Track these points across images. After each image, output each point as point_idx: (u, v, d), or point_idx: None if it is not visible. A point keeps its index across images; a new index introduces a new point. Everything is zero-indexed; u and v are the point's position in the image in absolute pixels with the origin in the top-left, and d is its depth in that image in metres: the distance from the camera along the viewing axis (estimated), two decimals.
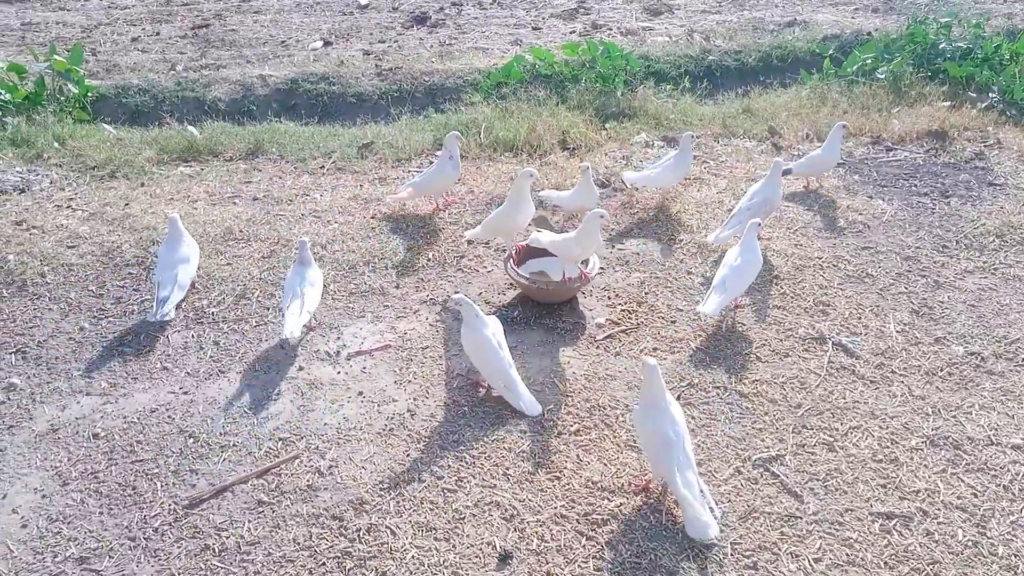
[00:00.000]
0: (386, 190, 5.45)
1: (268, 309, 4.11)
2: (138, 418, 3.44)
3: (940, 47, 7.45)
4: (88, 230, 4.86)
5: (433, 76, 8.19)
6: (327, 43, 9.59)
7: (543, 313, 4.05)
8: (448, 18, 10.57)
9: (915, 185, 5.33)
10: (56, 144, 6.30)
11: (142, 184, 5.63)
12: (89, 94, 7.45)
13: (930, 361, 3.67)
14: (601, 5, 11.05)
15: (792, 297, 4.14)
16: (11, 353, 3.80)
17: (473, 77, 8.02)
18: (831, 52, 8.01)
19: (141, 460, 3.23)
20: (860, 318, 3.98)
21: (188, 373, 3.68)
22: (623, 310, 4.07)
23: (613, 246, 4.66)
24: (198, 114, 7.54)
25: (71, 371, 3.71)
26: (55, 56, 7.16)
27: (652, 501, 2.96)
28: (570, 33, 9.87)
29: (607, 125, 6.63)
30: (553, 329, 3.94)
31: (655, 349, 3.77)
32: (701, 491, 2.78)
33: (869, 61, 7.48)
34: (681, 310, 4.07)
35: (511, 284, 4.24)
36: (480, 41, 9.68)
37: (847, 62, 7.53)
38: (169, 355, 3.81)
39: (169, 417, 3.43)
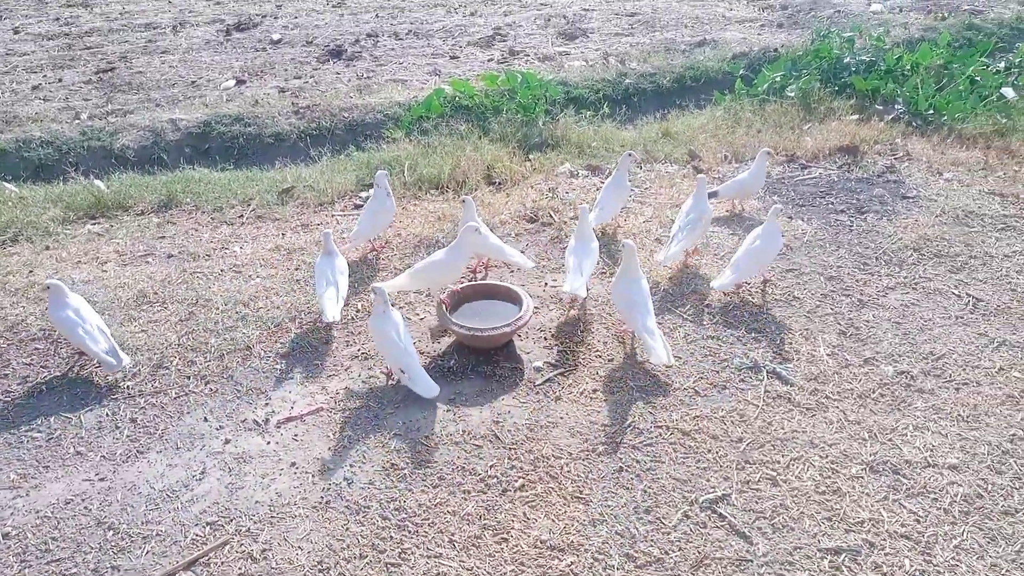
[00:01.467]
0: (309, 238, 5.28)
1: (189, 378, 3.89)
2: (52, 512, 3.18)
3: (845, 61, 7.74)
4: None
5: (352, 112, 8.05)
6: (240, 82, 9.34)
7: (480, 360, 3.96)
8: (364, 51, 10.44)
9: (832, 203, 5.47)
10: None
11: (47, 247, 5.31)
12: None
13: (861, 383, 3.73)
14: (517, 31, 11.12)
15: (725, 326, 4.17)
16: None
17: (394, 111, 7.93)
18: (741, 71, 8.22)
19: (57, 559, 2.98)
20: (791, 343, 4.03)
21: (104, 456, 3.44)
22: (561, 351, 4.01)
23: (546, 284, 4.61)
24: (106, 165, 7.21)
25: None
26: None
27: (586, 562, 2.89)
28: (488, 61, 9.89)
29: (531, 156, 6.62)
30: (491, 377, 3.85)
31: (595, 391, 3.72)
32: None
33: (778, 79, 7.70)
34: (622, 343, 4.04)
35: (445, 331, 4.14)
36: (399, 73, 9.60)
37: (757, 80, 7.74)
38: (82, 437, 3.55)
39: (86, 508, 3.18)
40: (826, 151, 6.25)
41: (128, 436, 3.54)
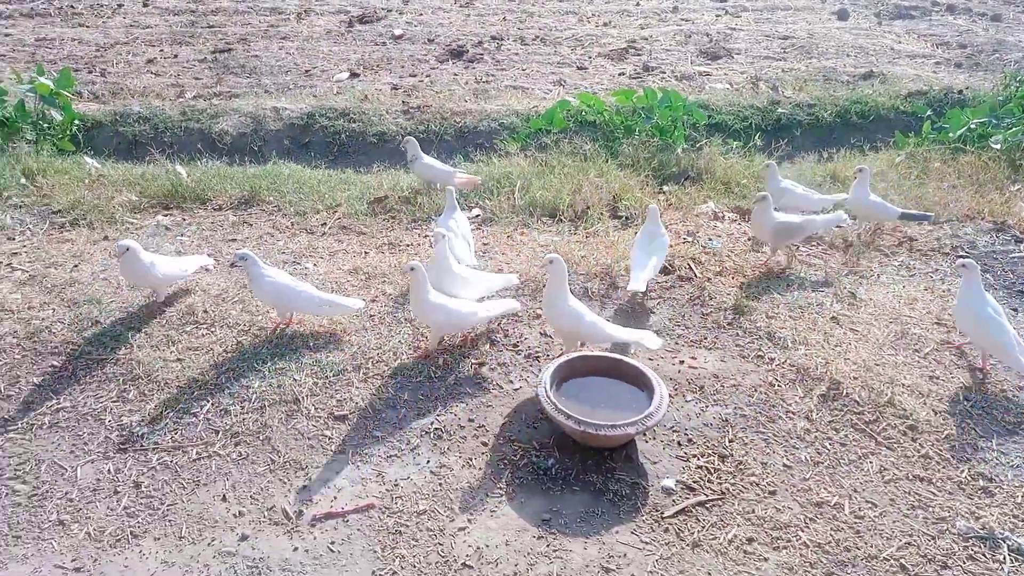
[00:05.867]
0: (395, 262, 4.42)
1: (217, 433, 3.06)
2: None
3: None
4: (19, 300, 3.88)
5: (466, 117, 7.23)
6: (354, 75, 8.74)
7: (589, 464, 2.94)
8: (487, 53, 9.67)
9: None
10: (23, 180, 5.40)
11: (105, 237, 4.68)
12: (78, 121, 6.60)
13: None
14: (653, 46, 10.08)
15: (938, 462, 2.98)
16: None
17: (510, 120, 7.07)
18: (928, 113, 6.88)
19: None
20: None
21: (89, 534, 2.63)
22: (700, 467, 2.94)
23: (682, 361, 3.55)
24: (200, 149, 6.66)
25: None
26: (39, 79, 6.30)
27: None
28: (619, 75, 8.91)
29: (665, 188, 5.58)
30: (602, 492, 2.83)
31: (750, 540, 2.63)
32: None
33: (975, 126, 6.34)
34: (789, 469, 2.93)
35: (544, 414, 3.14)
36: (520, 79, 8.75)
37: (951, 125, 6.40)
38: (72, 500, 2.76)
39: None
40: None
41: (125, 508, 2.73)
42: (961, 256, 3.63)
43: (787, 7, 12.33)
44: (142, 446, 2.99)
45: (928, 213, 4.83)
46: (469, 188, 5.34)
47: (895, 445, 3.04)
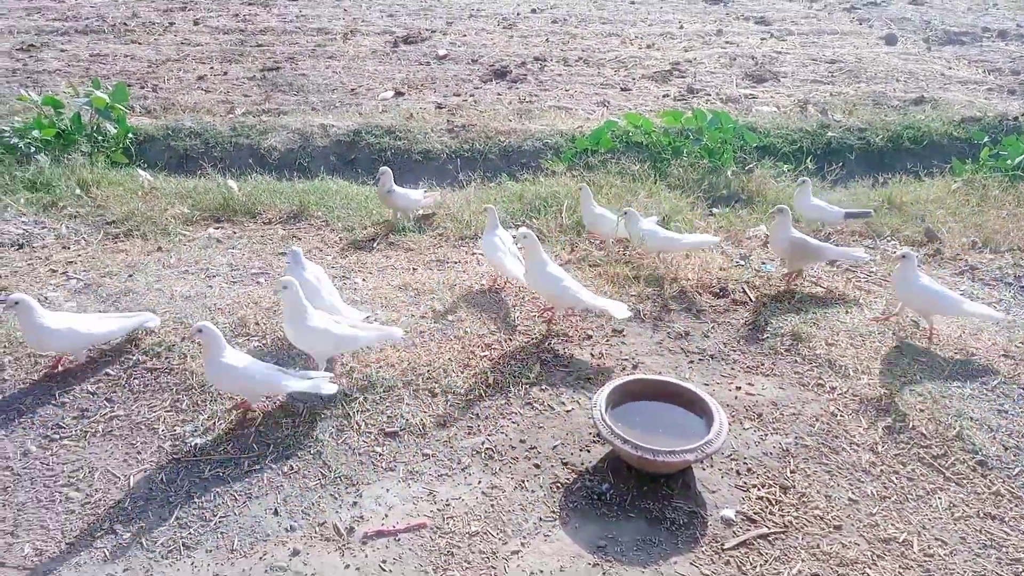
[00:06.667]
0: (443, 279, 4.40)
1: (269, 446, 3.05)
2: None
3: None
4: (74, 308, 3.93)
5: (510, 136, 7.24)
6: (399, 93, 8.83)
7: (645, 491, 2.86)
8: (530, 73, 9.70)
9: None
10: (78, 190, 5.51)
11: (159, 248, 4.74)
12: (131, 135, 6.74)
13: None
14: (697, 68, 10.03)
15: (1010, 500, 2.84)
16: None
17: (554, 140, 7.06)
18: (986, 140, 6.73)
19: None
20: None
21: (142, 544, 2.62)
22: (761, 498, 2.84)
23: (738, 388, 3.46)
24: (249, 164, 6.75)
25: None
26: (95, 92, 6.46)
27: None
28: (663, 96, 8.87)
29: (715, 211, 5.50)
30: (659, 520, 2.75)
31: None
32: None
33: None
34: (854, 503, 2.81)
35: (598, 437, 3.08)
36: (563, 100, 8.76)
37: (1009, 152, 6.23)
38: (124, 509, 2.76)
39: None
40: None
41: (178, 520, 2.71)
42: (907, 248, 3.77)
43: (833, 31, 12.22)
44: (195, 456, 2.99)
45: (867, 209, 5.02)
46: (435, 203, 5.48)
47: (964, 481, 2.91)
